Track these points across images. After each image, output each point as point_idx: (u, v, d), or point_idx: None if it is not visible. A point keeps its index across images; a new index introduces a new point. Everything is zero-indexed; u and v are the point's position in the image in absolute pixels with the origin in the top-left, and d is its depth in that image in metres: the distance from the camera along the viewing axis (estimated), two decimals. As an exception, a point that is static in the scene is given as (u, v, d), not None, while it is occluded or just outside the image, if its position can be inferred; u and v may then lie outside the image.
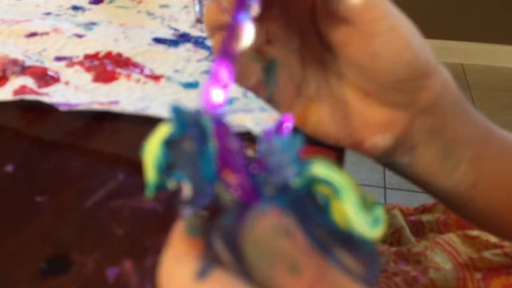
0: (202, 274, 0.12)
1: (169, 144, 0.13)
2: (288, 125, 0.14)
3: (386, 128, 0.24)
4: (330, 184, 0.12)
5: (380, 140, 0.24)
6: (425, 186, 0.27)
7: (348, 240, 0.12)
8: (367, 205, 0.12)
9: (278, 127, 0.14)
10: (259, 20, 0.23)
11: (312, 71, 0.24)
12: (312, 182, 0.13)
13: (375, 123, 0.24)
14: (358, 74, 0.23)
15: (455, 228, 0.48)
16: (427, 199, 0.54)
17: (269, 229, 0.11)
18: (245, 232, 0.12)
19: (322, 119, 0.25)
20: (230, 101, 0.33)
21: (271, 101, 0.25)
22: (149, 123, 0.32)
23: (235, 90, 0.35)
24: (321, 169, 0.12)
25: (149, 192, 0.13)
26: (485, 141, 0.26)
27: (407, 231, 0.49)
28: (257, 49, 0.23)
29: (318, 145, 0.29)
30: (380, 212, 0.12)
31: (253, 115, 0.31)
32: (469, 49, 1.62)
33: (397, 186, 1.13)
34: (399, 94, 0.23)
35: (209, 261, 0.12)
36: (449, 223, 0.50)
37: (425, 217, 0.52)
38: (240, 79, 0.23)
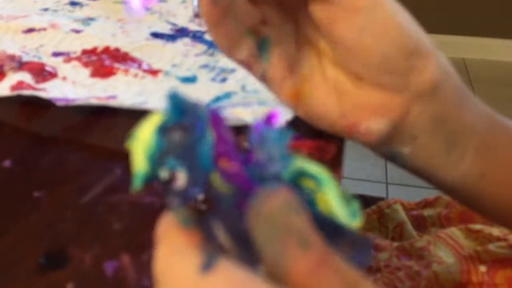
0: (207, 266, 0.11)
1: (164, 131, 0.13)
2: (277, 119, 0.14)
3: (380, 111, 0.23)
4: (315, 178, 0.13)
5: (375, 124, 0.23)
6: (429, 178, 0.26)
7: (335, 228, 0.12)
8: (346, 198, 0.13)
9: (268, 121, 0.14)
10: (254, 2, 0.23)
11: (305, 53, 0.24)
12: (299, 175, 0.13)
13: (369, 106, 0.23)
14: (347, 55, 0.22)
15: (457, 222, 0.48)
16: (429, 194, 0.54)
17: (282, 204, 0.12)
18: (255, 211, 0.12)
19: (315, 101, 0.25)
20: (228, 95, 0.33)
21: (263, 78, 0.25)
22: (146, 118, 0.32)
23: (234, 84, 0.34)
24: (306, 163, 0.13)
25: (137, 184, 0.13)
26: (492, 130, 0.25)
27: (409, 226, 0.49)
28: (252, 27, 0.23)
29: (317, 138, 0.29)
30: (357, 205, 0.13)
31: (251, 109, 0.31)
32: (470, 44, 1.61)
33: (399, 181, 1.12)
34: (390, 75, 0.22)
35: (212, 251, 0.12)
36: (451, 217, 0.49)
37: (427, 212, 0.51)
38: (233, 51, 0.23)
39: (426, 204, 0.54)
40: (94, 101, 0.32)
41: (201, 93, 0.33)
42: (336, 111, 0.24)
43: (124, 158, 0.32)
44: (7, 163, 0.29)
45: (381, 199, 0.55)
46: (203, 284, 0.11)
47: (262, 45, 0.24)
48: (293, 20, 0.24)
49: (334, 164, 0.27)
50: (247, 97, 0.32)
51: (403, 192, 1.09)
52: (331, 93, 0.24)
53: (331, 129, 0.25)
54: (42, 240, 0.25)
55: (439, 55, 0.23)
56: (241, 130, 0.31)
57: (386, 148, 0.25)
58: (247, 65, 0.24)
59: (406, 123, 0.24)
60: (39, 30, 0.41)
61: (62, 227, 0.25)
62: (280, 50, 0.24)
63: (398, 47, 0.22)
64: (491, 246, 0.39)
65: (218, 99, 0.33)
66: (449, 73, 0.24)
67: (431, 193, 0.53)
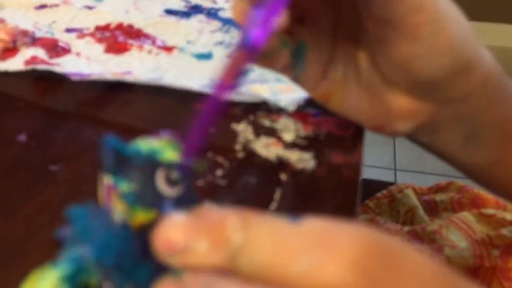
0: (295, 219, 0.11)
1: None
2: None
3: (409, 116, 0.23)
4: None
5: (401, 126, 0.23)
6: (445, 159, 0.26)
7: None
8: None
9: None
10: None
11: (342, 52, 0.23)
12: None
13: (399, 111, 0.23)
14: (391, 68, 0.22)
15: (470, 207, 0.48)
16: (438, 181, 0.53)
17: None
18: None
19: (345, 101, 0.24)
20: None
21: (296, 81, 0.24)
22: (162, 94, 0.32)
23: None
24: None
25: None
26: None
27: (420, 211, 0.49)
28: (288, 29, 0.22)
29: (338, 116, 0.28)
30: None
31: (268, 85, 0.31)
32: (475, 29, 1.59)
33: (407, 168, 1.12)
34: (430, 89, 0.22)
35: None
36: (463, 202, 0.49)
37: (439, 197, 0.51)
38: (267, 63, 0.23)
39: (438, 189, 0.53)
40: (109, 76, 0.32)
41: (217, 70, 0.33)
42: (364, 114, 0.24)
43: (139, 133, 0.32)
44: (22, 137, 0.29)
45: (391, 184, 0.54)
46: (299, 230, 0.11)
47: (297, 54, 0.23)
48: (333, 10, 0.23)
49: (355, 141, 0.27)
50: (264, 74, 0.32)
51: (412, 179, 1.08)
52: (362, 97, 0.24)
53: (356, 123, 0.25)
54: (58, 213, 0.24)
55: (483, 61, 0.22)
56: (259, 106, 0.30)
57: (405, 136, 0.25)
58: (281, 73, 0.24)
59: (430, 122, 0.23)
60: (51, 6, 0.41)
61: (78, 201, 0.25)
62: (316, 55, 0.23)
63: (449, 71, 0.21)
64: (504, 231, 0.39)
65: (234, 76, 0.32)
66: (488, 79, 0.23)
67: (440, 180, 0.53)
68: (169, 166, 0.13)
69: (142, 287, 0.13)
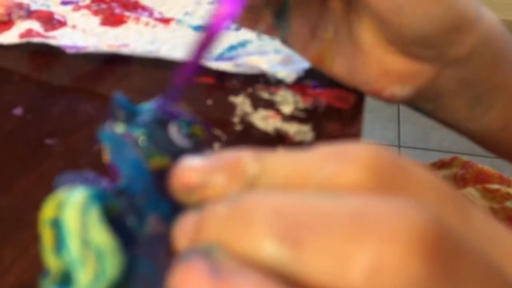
0: None
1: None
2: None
3: (408, 79, 0.22)
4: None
5: (400, 90, 0.22)
6: (450, 126, 0.26)
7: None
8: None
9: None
10: None
11: (332, 12, 0.23)
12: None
13: (396, 73, 0.22)
14: (381, 25, 0.21)
15: (474, 183, 0.47)
16: (442, 157, 0.53)
17: None
18: None
19: (339, 64, 0.23)
20: (243, 43, 0.32)
21: (285, 42, 0.24)
22: (159, 67, 0.31)
23: (249, 33, 0.33)
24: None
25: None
26: None
27: (424, 187, 0.48)
28: None
29: (337, 87, 0.27)
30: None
31: (267, 57, 0.30)
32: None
33: (411, 144, 1.11)
34: (425, 49, 0.21)
35: None
36: (467, 178, 0.48)
37: (443, 172, 0.51)
38: (249, 24, 0.22)
39: (442, 164, 0.53)
40: (105, 49, 0.31)
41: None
42: (360, 76, 0.23)
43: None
44: (18, 111, 0.29)
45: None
46: (312, 152, 0.11)
47: (280, 14, 0.22)
48: None
49: (354, 114, 0.26)
50: (263, 46, 0.31)
51: (416, 155, 1.07)
52: (355, 58, 0.23)
53: (354, 89, 0.24)
54: (55, 187, 0.24)
55: (483, 19, 0.21)
56: (258, 78, 0.30)
57: (408, 103, 0.24)
58: (266, 34, 0.23)
59: (432, 86, 0.22)
60: (47, -22, 0.40)
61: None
62: (301, 15, 0.22)
63: (438, 24, 0.20)
64: (509, 203, 0.38)
65: (232, 47, 0.32)
66: (491, 38, 0.22)
67: (445, 156, 0.52)
68: (180, 122, 0.14)
69: (165, 219, 0.13)
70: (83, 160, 0.26)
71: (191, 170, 0.11)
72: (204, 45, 0.14)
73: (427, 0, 0.19)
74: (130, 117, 0.14)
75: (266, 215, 0.09)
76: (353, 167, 0.10)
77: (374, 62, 0.22)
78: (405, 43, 0.21)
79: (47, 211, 0.13)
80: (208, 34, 0.14)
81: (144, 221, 0.13)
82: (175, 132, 0.13)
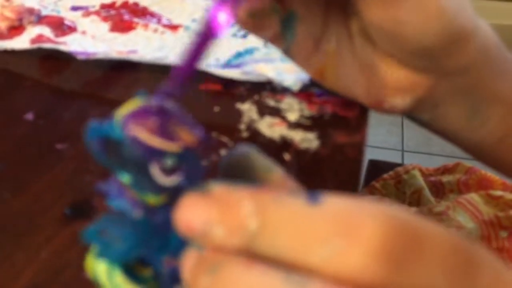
0: (313, 199, 0.11)
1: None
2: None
3: (408, 90, 0.22)
4: None
5: (400, 102, 0.23)
6: (447, 139, 0.26)
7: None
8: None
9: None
10: None
11: (334, 25, 0.23)
12: None
13: (396, 85, 0.22)
14: (381, 37, 0.21)
15: (477, 188, 0.47)
16: (445, 162, 0.53)
17: None
18: None
19: (340, 76, 0.24)
20: (250, 51, 0.32)
21: (288, 52, 0.24)
22: (167, 73, 0.32)
23: (256, 40, 0.33)
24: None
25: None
26: None
27: (427, 192, 0.48)
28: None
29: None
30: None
31: (274, 65, 0.30)
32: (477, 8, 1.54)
33: (415, 149, 1.11)
34: (425, 60, 0.21)
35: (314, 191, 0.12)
36: (470, 183, 0.49)
37: (446, 178, 0.51)
38: (256, 30, 0.22)
39: (445, 170, 0.53)
40: (115, 55, 0.32)
41: (223, 49, 0.33)
42: (361, 88, 0.23)
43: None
44: (29, 116, 0.29)
45: (398, 165, 0.54)
46: (318, 213, 0.11)
47: (287, 22, 0.22)
48: None
49: (359, 122, 0.27)
50: (269, 53, 0.31)
51: (419, 160, 1.08)
52: (357, 71, 0.23)
53: (353, 100, 0.24)
54: (66, 191, 0.25)
55: (479, 30, 0.21)
56: (264, 86, 0.30)
57: (406, 114, 0.24)
58: (271, 42, 0.23)
59: (430, 97, 0.23)
60: (57, -16, 0.41)
61: (85, 179, 0.25)
62: (307, 26, 0.23)
63: (440, 39, 0.20)
64: (513, 212, 0.38)
65: (239, 55, 0.32)
66: (487, 49, 0.22)
67: (448, 161, 0.52)
68: (159, 157, 0.13)
69: (176, 252, 0.13)
70: (92, 165, 0.26)
71: (191, 213, 0.11)
72: (198, 48, 0.14)
73: (428, 15, 0.19)
74: (112, 151, 0.13)
75: None
76: (360, 248, 0.10)
77: (374, 74, 0.23)
78: (405, 55, 0.21)
79: (89, 268, 0.14)
80: (203, 37, 0.13)
81: (160, 269, 0.13)
82: (157, 174, 0.13)
